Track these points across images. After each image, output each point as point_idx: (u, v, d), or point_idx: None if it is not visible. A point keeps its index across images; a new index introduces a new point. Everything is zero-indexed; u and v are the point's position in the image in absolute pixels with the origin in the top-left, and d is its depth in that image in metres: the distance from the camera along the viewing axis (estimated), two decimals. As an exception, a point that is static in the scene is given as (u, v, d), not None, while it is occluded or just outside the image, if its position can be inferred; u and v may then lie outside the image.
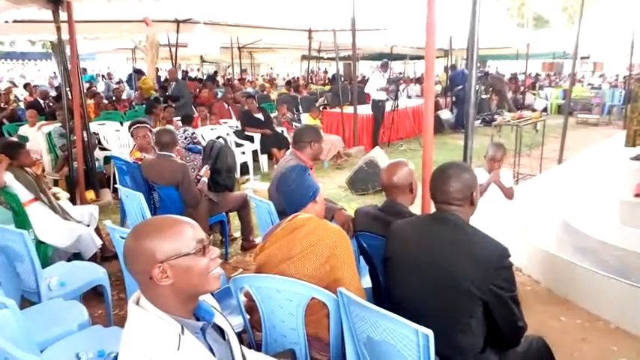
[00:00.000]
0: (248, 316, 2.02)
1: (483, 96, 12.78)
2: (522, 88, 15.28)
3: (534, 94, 15.77)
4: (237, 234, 4.56)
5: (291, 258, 1.84)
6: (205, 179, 3.96)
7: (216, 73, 19.51)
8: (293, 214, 2.01)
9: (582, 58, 18.28)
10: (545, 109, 13.50)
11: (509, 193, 3.41)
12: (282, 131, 7.76)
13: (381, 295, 2.24)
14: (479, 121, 11.10)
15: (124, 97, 11.67)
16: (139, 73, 13.52)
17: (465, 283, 1.65)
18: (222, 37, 9.78)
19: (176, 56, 10.33)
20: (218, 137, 5.24)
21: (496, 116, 6.71)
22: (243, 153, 6.98)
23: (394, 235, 1.95)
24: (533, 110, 9.64)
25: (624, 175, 5.03)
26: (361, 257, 2.50)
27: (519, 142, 6.22)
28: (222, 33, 9.37)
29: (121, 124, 7.45)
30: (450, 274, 1.68)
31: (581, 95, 14.29)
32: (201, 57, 18.42)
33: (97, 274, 2.89)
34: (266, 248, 1.96)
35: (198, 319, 1.25)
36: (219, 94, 10.67)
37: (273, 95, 13.11)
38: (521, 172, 6.37)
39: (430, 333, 1.43)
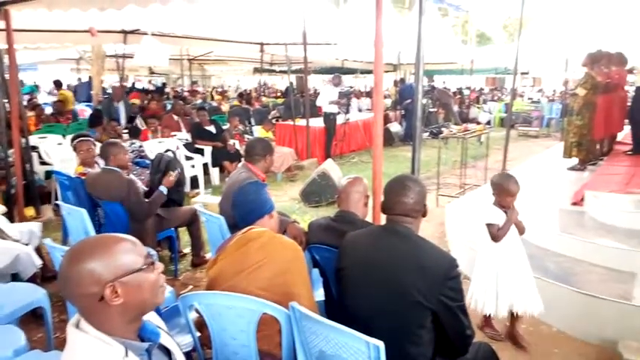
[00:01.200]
0: (198, 334, 1.97)
1: (431, 109, 13.19)
2: (467, 102, 15.92)
3: (478, 108, 16.45)
4: (187, 250, 4.45)
5: (244, 270, 1.81)
6: (165, 189, 3.79)
7: (164, 84, 19.11)
8: (247, 227, 1.99)
9: (522, 73, 19.30)
10: (488, 122, 14.08)
11: (523, 229, 2.95)
12: (234, 144, 7.69)
13: (334, 308, 2.24)
14: (427, 133, 11.45)
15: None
16: (57, 85, 12.99)
17: (414, 294, 1.68)
18: (171, 48, 9.62)
19: (123, 68, 10.05)
20: (167, 150, 5.10)
21: (443, 129, 6.94)
22: (193, 166, 6.85)
23: (346, 247, 1.96)
24: (478, 123, 10.06)
25: (563, 185, 5.31)
26: (314, 270, 2.50)
27: (465, 153, 6.47)
28: (171, 44, 9.22)
29: (64, 137, 7.13)
30: (400, 285, 1.71)
31: (521, 109, 15.04)
32: (150, 68, 18.00)
33: (37, 295, 2.73)
34: (219, 261, 1.93)
35: (143, 340, 1.21)
36: (169, 107, 10.46)
37: (225, 107, 12.99)
38: (467, 182, 6.61)
39: (381, 344, 1.44)
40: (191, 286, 3.81)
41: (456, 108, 14.81)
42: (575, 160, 5.98)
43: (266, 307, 1.71)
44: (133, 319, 1.18)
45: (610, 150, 6.60)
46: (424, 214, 1.93)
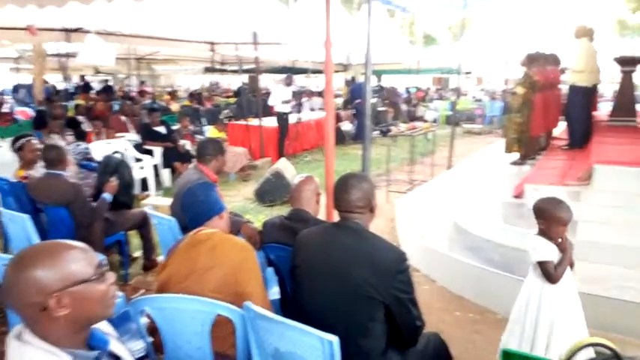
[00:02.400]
0: (151, 339, 1.94)
1: (380, 109, 13.45)
2: (414, 101, 16.33)
3: (425, 107, 16.92)
4: (138, 253, 4.34)
5: (195, 273, 1.80)
6: (109, 196, 3.68)
7: (107, 84, 18.36)
8: (197, 229, 1.98)
9: (466, 73, 20.01)
10: (435, 120, 14.54)
11: (573, 261, 2.47)
12: (185, 144, 7.55)
13: (290, 306, 2.27)
14: (376, 132, 11.66)
15: (5, 110, 10.61)
16: None
17: (367, 288, 1.73)
18: (117, 47, 9.30)
19: (67, 67, 9.61)
20: (114, 152, 4.95)
21: (392, 127, 7.11)
22: (143, 168, 6.67)
23: (300, 245, 1.99)
24: (425, 121, 10.37)
25: (505, 179, 5.57)
26: (269, 269, 2.52)
27: (413, 150, 6.66)
28: (117, 43, 8.91)
29: (2, 139, 6.76)
30: (352, 280, 1.76)
31: (465, 107, 15.61)
32: (96, 68, 17.29)
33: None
34: (169, 265, 1.91)
35: (92, 349, 1.18)
36: (116, 107, 10.11)
37: (175, 107, 12.71)
38: (416, 178, 6.81)
39: (335, 339, 1.48)
40: (143, 291, 3.73)
41: (404, 107, 15.17)
42: (515, 155, 6.27)
43: (219, 308, 1.71)
44: (80, 329, 1.14)
45: (547, 145, 6.97)
46: (374, 210, 2.00)
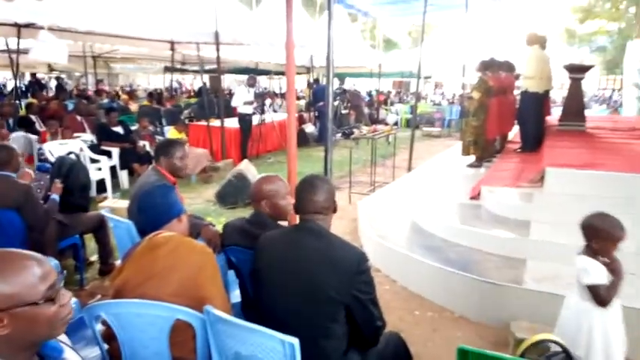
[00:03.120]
0: (107, 346, 1.89)
1: (343, 111, 13.57)
2: (376, 104, 16.57)
3: (386, 110, 17.20)
4: (95, 257, 4.21)
5: (153, 277, 1.76)
6: (56, 197, 3.57)
7: (59, 82, 17.69)
8: (154, 233, 1.94)
9: (425, 77, 20.48)
10: (396, 123, 14.80)
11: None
12: (144, 145, 7.37)
13: (251, 309, 2.26)
14: (339, 134, 11.74)
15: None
16: None
17: (327, 290, 1.74)
18: (72, 44, 8.98)
19: (18, 64, 9.19)
20: (69, 153, 4.78)
21: (354, 130, 7.18)
22: (100, 169, 6.47)
23: (262, 247, 1.99)
24: (386, 124, 10.53)
25: (462, 181, 5.73)
26: (230, 272, 2.49)
27: (374, 153, 6.76)
28: (71, 40, 8.60)
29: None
30: (313, 282, 1.77)
31: (425, 111, 15.97)
32: (49, 65, 16.62)
33: None
34: (125, 270, 1.86)
35: (43, 358, 1.13)
36: (70, 106, 9.76)
37: (134, 107, 12.38)
38: (377, 180, 6.91)
39: (296, 342, 1.49)
40: (99, 296, 3.62)
41: (366, 110, 15.36)
42: (472, 158, 6.46)
43: (179, 312, 1.69)
44: (23, 349, 1.06)
45: (502, 148, 7.23)
46: (334, 211, 2.01)
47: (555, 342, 1.73)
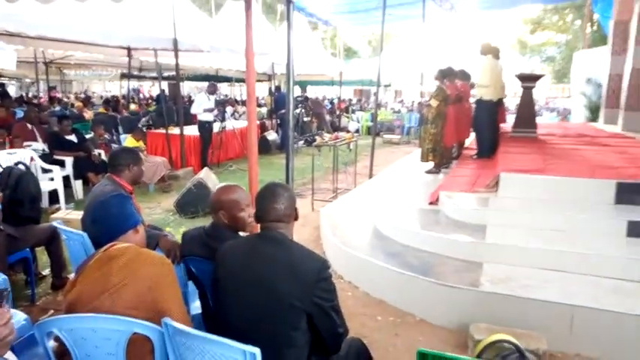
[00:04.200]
0: (60, 364, 1.81)
1: (305, 119, 13.62)
2: (337, 112, 16.72)
3: (348, 117, 17.38)
4: (47, 271, 4.04)
5: (107, 291, 1.70)
6: None
7: (3, 89, 16.88)
8: (109, 244, 1.88)
9: (385, 85, 20.85)
10: (357, 131, 14.97)
11: None
12: (100, 154, 7.15)
13: (212, 320, 2.22)
14: (301, 142, 11.80)
15: None
16: None
17: (289, 298, 1.73)
18: (21, 50, 8.63)
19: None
20: (17, 163, 4.57)
21: (316, 137, 7.22)
22: (52, 179, 6.22)
23: (223, 257, 1.96)
24: (348, 132, 10.62)
25: (421, 187, 5.84)
26: (190, 282, 2.45)
27: (336, 160, 6.81)
28: (21, 45, 8.27)
29: None
30: (274, 290, 1.76)
31: (385, 118, 16.24)
32: (-2, 71, 15.88)
33: None
34: (78, 283, 1.79)
35: None
36: (20, 114, 9.34)
37: (89, 115, 12.00)
38: (339, 187, 6.96)
39: (257, 351, 1.47)
40: (52, 311, 3.47)
41: (328, 117, 15.47)
42: (430, 164, 6.62)
43: (136, 325, 1.64)
44: None
45: (459, 154, 7.44)
46: (296, 218, 2.01)
47: (509, 342, 1.79)
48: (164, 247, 2.54)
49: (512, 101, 13.85)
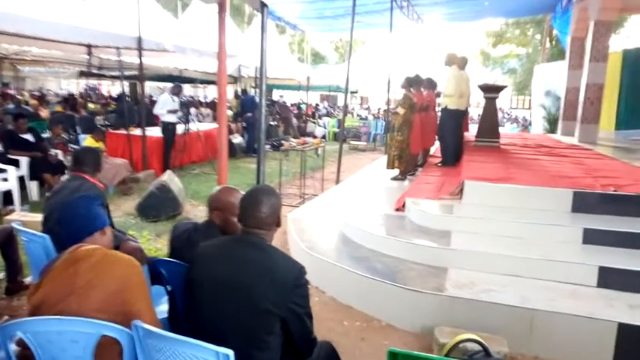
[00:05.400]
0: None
1: (272, 123, 13.57)
2: (304, 117, 16.75)
3: (314, 123, 17.45)
4: (2, 275, 3.85)
5: (74, 293, 1.64)
6: None
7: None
8: (75, 246, 1.81)
9: (352, 92, 21.06)
10: (324, 136, 15.04)
11: None
12: (57, 154, 6.88)
13: (180, 323, 2.17)
14: (268, 146, 11.75)
15: None
16: None
17: (265, 303, 1.73)
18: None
19: None
20: (-31, 161, 4.36)
21: (283, 142, 7.21)
22: (6, 180, 5.95)
23: (199, 258, 1.93)
24: (314, 137, 10.67)
25: (387, 193, 5.93)
26: (154, 287, 2.39)
27: (304, 165, 6.82)
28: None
29: None
30: (251, 294, 1.75)
31: (352, 125, 16.39)
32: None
33: None
34: (43, 286, 1.72)
35: None
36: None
37: (45, 113, 11.54)
38: (307, 192, 6.97)
39: (230, 353, 1.46)
40: (7, 317, 3.30)
41: (295, 122, 15.48)
42: (396, 171, 6.72)
43: (105, 328, 1.59)
44: None
45: (425, 162, 7.60)
46: (278, 225, 1.99)
47: (476, 341, 1.84)
48: (125, 252, 2.48)
49: (475, 111, 14.28)
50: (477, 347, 1.92)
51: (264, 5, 2.72)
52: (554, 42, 15.81)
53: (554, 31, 14.43)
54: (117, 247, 2.51)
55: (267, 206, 1.90)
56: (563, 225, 4.09)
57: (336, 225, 5.04)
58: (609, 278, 3.45)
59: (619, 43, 13.70)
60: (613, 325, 2.97)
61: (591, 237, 3.91)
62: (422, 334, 3.33)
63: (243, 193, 2.35)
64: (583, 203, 4.31)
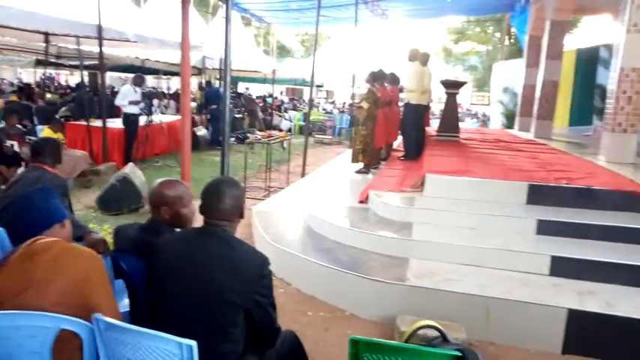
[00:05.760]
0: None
1: (237, 115, 13.44)
2: (270, 110, 16.67)
3: (280, 116, 17.39)
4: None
5: (31, 287, 1.61)
6: None
7: None
8: (33, 239, 1.78)
9: (318, 86, 21.08)
10: (289, 130, 15.03)
11: None
12: (12, 145, 6.62)
13: (141, 318, 2.16)
14: (233, 138, 11.65)
15: None
16: None
17: (229, 294, 1.74)
18: None
19: None
20: None
21: (249, 135, 7.17)
22: (-44, 172, 5.69)
23: (161, 250, 1.91)
24: (280, 130, 10.65)
25: (351, 186, 6.01)
26: (117, 281, 2.36)
27: (269, 158, 6.81)
28: None
29: None
30: (214, 286, 1.75)
31: (317, 118, 16.43)
32: None
33: None
34: (-2, 280, 1.68)
35: None
36: None
37: (-2, 103, 11.05)
38: (272, 185, 6.97)
39: (193, 344, 1.47)
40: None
41: (260, 115, 15.38)
42: (361, 165, 6.81)
43: (64, 322, 1.57)
44: None
45: (388, 156, 7.72)
46: (241, 216, 1.99)
47: (434, 327, 1.92)
48: (88, 244, 2.43)
49: (437, 107, 14.57)
50: (436, 333, 2.00)
51: (228, -3, 2.72)
52: (512, 40, 16.31)
53: (513, 30, 14.87)
54: (80, 238, 2.47)
55: (230, 197, 1.90)
56: (518, 216, 4.26)
57: (301, 217, 5.08)
58: (560, 267, 3.63)
59: (575, 42, 14.25)
60: (563, 311, 3.12)
61: (544, 228, 4.09)
62: (384, 323, 3.41)
63: (184, 183, 2.34)
64: (537, 195, 4.50)
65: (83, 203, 6.17)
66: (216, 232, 1.87)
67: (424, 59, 6.96)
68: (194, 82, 17.33)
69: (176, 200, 2.22)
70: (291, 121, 17.01)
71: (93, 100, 9.96)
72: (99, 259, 1.80)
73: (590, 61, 10.89)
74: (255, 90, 22.89)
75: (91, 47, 9.04)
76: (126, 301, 2.32)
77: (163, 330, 1.53)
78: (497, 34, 20.18)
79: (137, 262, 2.11)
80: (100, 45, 7.76)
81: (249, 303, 1.78)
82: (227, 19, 2.80)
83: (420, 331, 2.00)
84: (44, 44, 10.12)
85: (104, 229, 4.72)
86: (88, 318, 1.59)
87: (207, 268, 1.78)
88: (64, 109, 11.09)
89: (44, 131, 7.62)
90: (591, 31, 16.41)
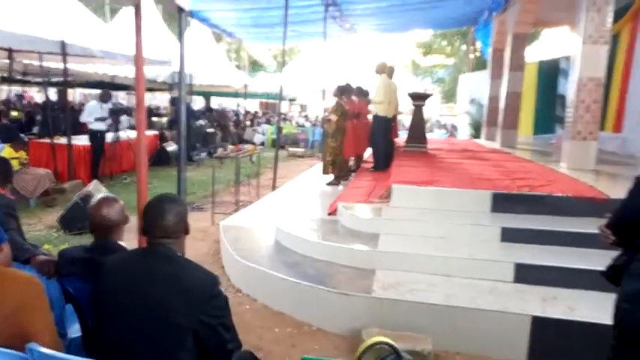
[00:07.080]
0: None
1: (209, 130, 13.34)
2: (243, 124, 16.62)
3: (253, 130, 17.34)
4: None
5: None
6: None
7: None
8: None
9: (290, 100, 21.14)
10: (262, 143, 14.98)
11: None
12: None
13: (93, 342, 2.07)
14: (204, 153, 11.55)
15: None
16: None
17: (173, 316, 1.67)
18: None
19: None
20: None
21: (219, 149, 7.11)
22: None
23: (106, 272, 1.84)
24: (253, 144, 10.60)
25: (321, 198, 6.00)
26: (68, 305, 2.27)
27: (239, 172, 6.75)
28: None
29: None
30: (160, 307, 1.68)
31: (290, 132, 16.46)
32: None
33: None
34: None
35: None
36: None
37: (-43, 121, 10.71)
38: (242, 199, 6.89)
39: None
40: None
41: (233, 129, 15.32)
42: (332, 176, 6.82)
43: (-5, 352, 1.49)
44: None
45: (358, 167, 7.75)
46: (187, 232, 1.94)
47: (386, 343, 1.89)
48: (35, 266, 2.34)
49: (407, 118, 14.75)
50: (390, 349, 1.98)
51: (181, 10, 2.68)
52: (477, 53, 16.69)
53: (478, 43, 15.24)
54: (27, 261, 2.37)
55: (173, 214, 1.84)
56: (483, 225, 4.30)
57: (270, 231, 5.02)
58: (524, 274, 3.66)
59: (537, 55, 14.67)
60: (527, 318, 3.14)
61: (508, 235, 4.14)
62: (350, 336, 3.37)
63: (116, 200, 2.31)
64: (501, 203, 4.56)
65: (45, 223, 5.99)
66: (161, 250, 1.81)
67: (390, 72, 7.06)
68: (165, 98, 17.19)
69: (123, 218, 2.22)
70: (264, 135, 16.98)
71: (58, 117, 9.74)
72: (37, 284, 1.71)
73: (551, 73, 11.25)
74: (230, 104, 22.80)
75: (57, 64, 8.86)
76: (77, 326, 2.23)
77: (110, 355, 1.46)
78: (464, 47, 20.64)
79: (83, 285, 2.03)
80: (65, 61, 7.64)
81: (196, 324, 1.70)
82: (180, 33, 2.78)
83: (377, 346, 1.97)
84: (7, 60, 9.86)
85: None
86: (22, 347, 1.50)
87: (153, 289, 1.71)
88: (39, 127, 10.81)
89: (5, 150, 7.38)
90: (552, 44, 16.94)
